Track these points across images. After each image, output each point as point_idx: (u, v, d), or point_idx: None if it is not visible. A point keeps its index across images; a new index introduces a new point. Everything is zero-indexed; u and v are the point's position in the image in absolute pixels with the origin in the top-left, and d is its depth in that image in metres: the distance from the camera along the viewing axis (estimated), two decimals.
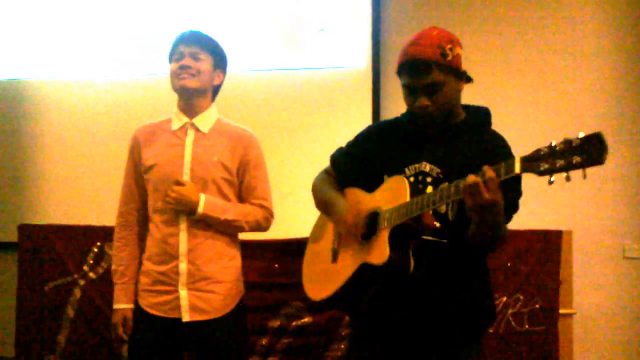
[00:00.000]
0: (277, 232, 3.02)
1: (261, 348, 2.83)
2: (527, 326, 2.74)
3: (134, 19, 3.48)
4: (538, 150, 1.43)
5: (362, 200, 1.86)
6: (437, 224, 1.69)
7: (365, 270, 1.76)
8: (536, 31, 3.27)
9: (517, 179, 1.69)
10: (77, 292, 3.00)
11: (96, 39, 3.53)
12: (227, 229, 2.14)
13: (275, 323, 2.83)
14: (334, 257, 1.91)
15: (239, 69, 3.41)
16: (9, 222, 3.43)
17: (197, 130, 2.15)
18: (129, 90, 3.48)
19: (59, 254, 3.04)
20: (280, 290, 2.83)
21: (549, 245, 2.76)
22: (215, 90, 2.24)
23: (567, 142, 1.38)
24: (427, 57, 1.73)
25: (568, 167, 1.38)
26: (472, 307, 1.82)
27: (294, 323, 2.81)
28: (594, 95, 3.23)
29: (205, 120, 2.17)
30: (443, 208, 1.72)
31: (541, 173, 1.42)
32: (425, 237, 1.71)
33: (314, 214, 2.09)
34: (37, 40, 3.61)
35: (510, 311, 2.74)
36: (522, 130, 3.12)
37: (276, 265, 2.87)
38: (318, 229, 2.07)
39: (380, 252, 1.70)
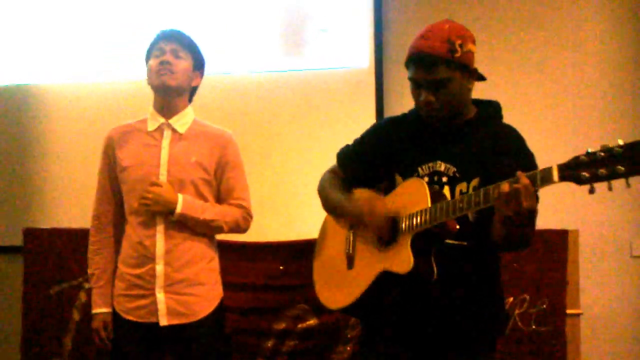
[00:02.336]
0: (282, 233, 3.03)
1: (266, 350, 2.82)
2: (533, 326, 2.72)
3: (139, 21, 3.47)
4: (576, 158, 1.40)
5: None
6: (458, 227, 1.66)
7: (385, 278, 1.71)
8: (540, 28, 3.25)
9: (535, 167, 1.68)
10: (83, 296, 3.01)
11: (102, 42, 3.52)
12: (206, 230, 2.11)
13: (281, 325, 2.82)
14: (350, 264, 1.85)
15: (241, 70, 3.40)
16: (14, 226, 3.42)
17: (173, 130, 2.12)
18: (135, 93, 3.46)
19: (64, 257, 3.05)
20: (285, 292, 2.82)
21: (555, 245, 2.74)
22: (192, 91, 2.21)
23: (608, 150, 1.35)
24: (434, 52, 1.68)
25: (611, 176, 1.34)
26: (491, 310, 1.80)
27: (299, 325, 2.80)
28: (599, 91, 3.20)
29: (182, 120, 2.14)
30: None
31: (582, 182, 1.38)
32: (447, 242, 1.68)
33: (320, 215, 2.07)
34: (41, 45, 3.61)
35: (516, 311, 2.72)
36: (528, 127, 3.08)
37: (281, 267, 2.86)
38: (327, 232, 2.01)
39: (404, 260, 1.66)
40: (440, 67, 1.68)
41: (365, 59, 3.31)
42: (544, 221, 2.84)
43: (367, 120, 3.16)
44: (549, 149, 3.08)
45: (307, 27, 3.36)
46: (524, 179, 1.45)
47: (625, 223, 3.15)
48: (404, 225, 1.69)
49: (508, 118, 1.89)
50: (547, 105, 3.24)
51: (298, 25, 3.37)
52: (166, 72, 2.06)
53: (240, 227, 2.18)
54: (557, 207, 3.06)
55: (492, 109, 1.83)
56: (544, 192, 2.74)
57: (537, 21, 3.26)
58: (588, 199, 3.10)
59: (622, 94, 3.19)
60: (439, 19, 1.83)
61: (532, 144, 1.83)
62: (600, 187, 3.10)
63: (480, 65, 1.81)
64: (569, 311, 2.73)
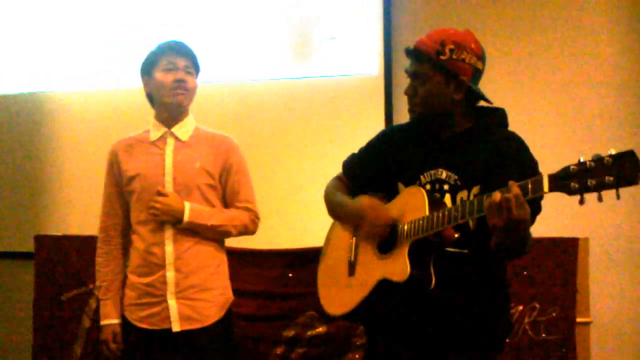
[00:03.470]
0: (291, 241, 3.04)
1: (276, 358, 2.82)
2: (543, 335, 2.71)
3: (151, 28, 3.49)
4: (567, 168, 1.38)
5: None
6: (457, 235, 1.66)
7: (384, 286, 1.73)
8: (549, 34, 3.25)
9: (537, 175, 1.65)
10: (93, 303, 3.02)
11: (116, 49, 3.55)
12: (214, 235, 2.13)
13: (290, 332, 2.82)
14: (351, 270, 1.87)
15: (251, 78, 3.42)
16: (26, 233, 3.45)
17: (176, 139, 2.15)
18: (145, 100, 3.51)
19: (74, 264, 3.06)
20: (294, 299, 2.83)
21: (565, 253, 2.73)
22: None
23: (598, 160, 1.33)
24: (422, 48, 1.75)
25: (600, 187, 1.33)
26: (494, 317, 1.79)
27: (308, 332, 2.80)
28: (606, 97, 3.19)
29: (184, 128, 2.17)
30: None
31: (572, 192, 1.37)
32: (446, 249, 1.68)
33: (328, 222, 2.08)
34: (54, 53, 3.64)
35: (526, 320, 2.72)
36: (534, 133, 3.08)
37: (290, 275, 2.86)
38: (332, 239, 2.03)
39: (400, 268, 1.67)
40: (422, 63, 1.74)
41: (374, 66, 3.31)
42: (554, 229, 2.86)
43: (376, 127, 3.14)
44: (555, 156, 3.09)
45: (316, 34, 3.38)
46: (515, 188, 1.45)
47: (635, 231, 3.13)
48: (402, 233, 1.71)
49: (515, 125, 1.89)
50: (554, 111, 3.24)
51: (307, 32, 3.38)
52: (183, 92, 2.10)
53: (248, 230, 2.20)
54: (567, 215, 3.04)
55: (496, 117, 1.82)
56: (555, 200, 2.75)
57: (545, 27, 3.26)
58: (598, 207, 3.08)
59: (631, 100, 3.18)
60: (448, 25, 1.85)
61: (541, 151, 1.83)
62: (606, 195, 3.09)
63: (487, 70, 1.82)
64: (578, 319, 2.72)
